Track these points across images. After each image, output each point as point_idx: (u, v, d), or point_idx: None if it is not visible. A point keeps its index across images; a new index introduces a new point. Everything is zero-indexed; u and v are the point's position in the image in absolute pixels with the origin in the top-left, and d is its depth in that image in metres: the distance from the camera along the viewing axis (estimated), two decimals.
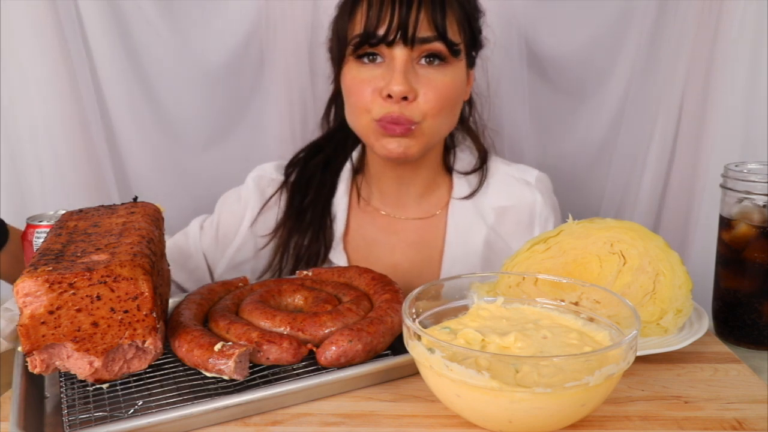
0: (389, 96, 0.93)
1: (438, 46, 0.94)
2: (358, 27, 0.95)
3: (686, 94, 1.31)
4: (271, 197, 1.11)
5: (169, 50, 1.32)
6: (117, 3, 1.26)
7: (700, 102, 1.29)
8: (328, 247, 1.08)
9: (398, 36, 0.93)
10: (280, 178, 1.12)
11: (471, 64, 1.05)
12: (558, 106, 1.41)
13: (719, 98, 1.25)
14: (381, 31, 0.93)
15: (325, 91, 1.16)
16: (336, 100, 1.12)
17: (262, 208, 1.10)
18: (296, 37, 1.33)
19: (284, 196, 1.11)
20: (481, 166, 1.11)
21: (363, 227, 1.11)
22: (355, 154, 1.13)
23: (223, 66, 1.35)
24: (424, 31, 0.93)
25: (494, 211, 1.09)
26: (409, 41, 0.93)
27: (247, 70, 1.36)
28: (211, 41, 1.33)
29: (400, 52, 0.93)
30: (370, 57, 0.96)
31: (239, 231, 1.10)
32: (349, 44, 0.96)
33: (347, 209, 1.10)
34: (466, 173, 1.11)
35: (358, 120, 0.99)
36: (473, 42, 1.03)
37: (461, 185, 1.10)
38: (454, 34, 0.96)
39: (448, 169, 1.13)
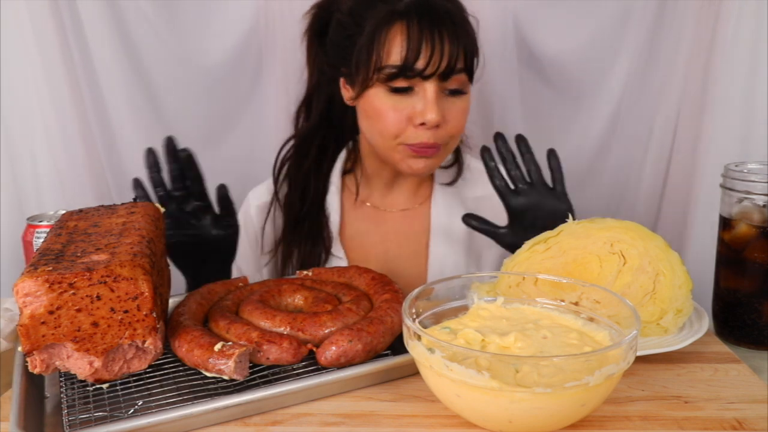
0: (422, 124, 0.98)
1: (463, 78, 1.00)
2: (393, 57, 0.97)
3: (685, 94, 1.31)
4: (267, 217, 1.16)
5: (168, 50, 1.32)
6: (117, 3, 1.26)
7: (698, 102, 1.29)
8: (328, 249, 1.12)
9: (436, 71, 0.96)
10: (269, 197, 1.17)
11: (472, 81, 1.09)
12: (556, 106, 1.41)
13: (718, 98, 1.25)
14: (420, 65, 0.96)
15: None
16: (313, 97, 1.14)
17: (263, 231, 1.16)
18: (295, 37, 1.32)
19: (278, 210, 1.16)
20: (457, 160, 1.18)
21: (355, 221, 1.16)
22: (343, 154, 1.17)
23: (223, 66, 1.35)
24: (455, 63, 0.98)
25: (472, 200, 1.16)
26: (444, 76, 0.97)
27: (246, 69, 1.36)
28: (210, 41, 1.33)
29: (433, 84, 0.98)
30: (403, 90, 0.99)
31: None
32: (380, 72, 0.97)
33: (340, 208, 1.15)
34: (446, 167, 1.18)
35: (383, 141, 1.03)
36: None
37: (442, 177, 1.17)
38: (471, 63, 1.01)
39: None
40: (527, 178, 0.98)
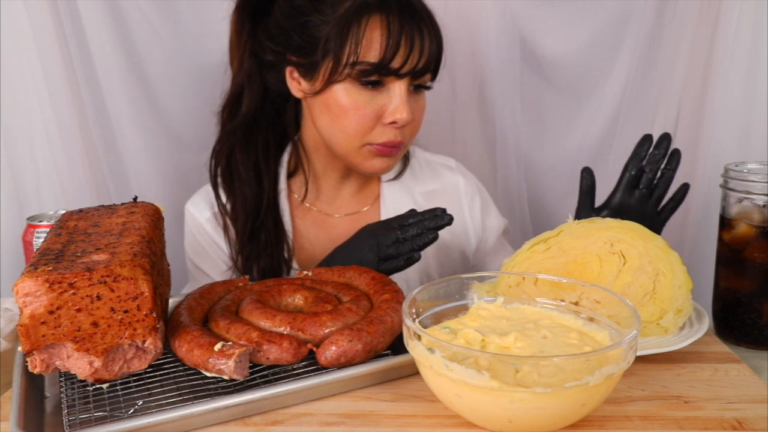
0: (392, 122, 0.96)
1: (428, 77, 0.99)
2: (370, 53, 0.93)
3: (684, 95, 1.31)
4: (224, 232, 1.08)
5: (168, 50, 1.32)
6: (116, 3, 1.26)
7: (698, 102, 1.29)
8: (289, 264, 1.07)
9: (411, 70, 0.94)
10: (212, 210, 1.09)
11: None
12: (557, 106, 1.41)
13: (718, 98, 1.25)
14: (396, 64, 0.93)
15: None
16: (244, 90, 1.06)
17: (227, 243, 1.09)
18: None
19: (227, 222, 1.08)
20: (405, 159, 1.15)
21: (303, 227, 1.11)
22: (286, 155, 1.11)
23: (222, 66, 1.35)
24: (425, 63, 0.96)
25: (422, 195, 1.13)
26: (416, 74, 0.96)
27: None
28: (210, 41, 1.33)
29: (404, 83, 0.96)
30: (374, 85, 0.95)
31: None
32: (354, 67, 0.93)
33: (290, 215, 1.10)
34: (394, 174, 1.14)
35: (346, 140, 0.99)
36: None
37: (388, 174, 1.13)
38: (440, 61, 1.00)
39: None
40: (650, 187, 0.97)
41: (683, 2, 1.27)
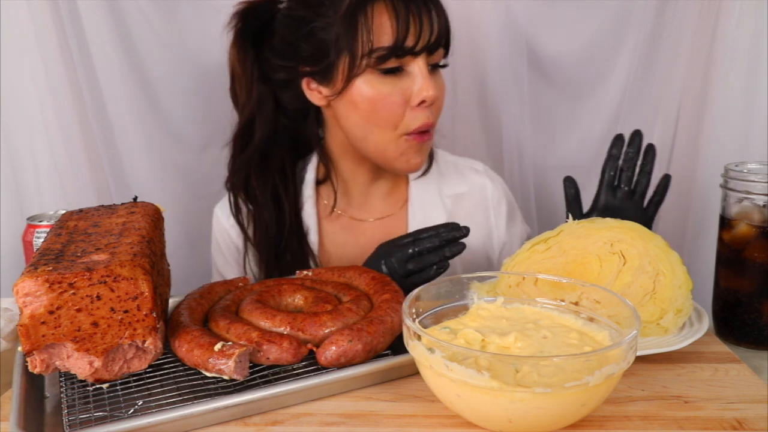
0: (421, 103, 0.96)
1: (442, 51, 0.99)
2: (383, 38, 0.93)
3: (685, 95, 1.31)
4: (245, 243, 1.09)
5: (168, 50, 1.32)
6: (116, 3, 1.26)
7: (698, 102, 1.29)
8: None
9: (426, 46, 0.94)
10: (233, 222, 1.10)
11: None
12: (557, 106, 1.41)
13: (718, 98, 1.25)
14: (410, 42, 0.93)
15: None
16: (256, 118, 1.05)
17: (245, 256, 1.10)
18: None
19: (249, 241, 1.08)
20: (430, 157, 1.13)
21: (332, 233, 1.12)
22: (313, 163, 1.12)
23: (223, 66, 1.35)
24: (438, 36, 0.96)
25: (451, 198, 1.13)
26: (431, 49, 0.95)
27: None
28: (210, 41, 1.33)
29: (422, 60, 0.95)
30: (395, 71, 0.95)
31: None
32: (370, 56, 0.93)
33: (317, 223, 1.10)
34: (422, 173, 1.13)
35: (381, 137, 0.98)
36: None
37: (417, 179, 1.13)
38: (450, 35, 1.00)
39: None
40: (631, 185, 0.98)
41: (683, 2, 1.27)
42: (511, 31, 1.33)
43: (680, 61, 1.30)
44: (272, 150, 1.07)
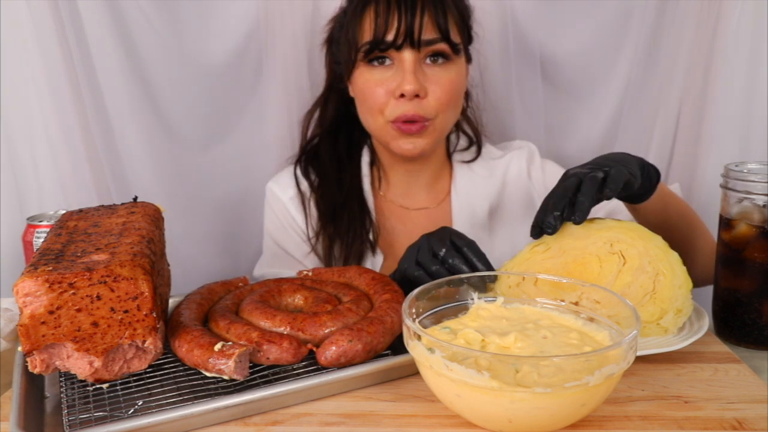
0: (402, 96, 1.02)
1: (442, 46, 1.03)
2: (367, 34, 1.03)
3: (685, 94, 1.31)
4: (305, 210, 1.15)
5: (168, 50, 1.32)
6: (117, 3, 1.26)
7: (699, 102, 1.29)
8: (374, 244, 1.13)
9: (406, 40, 1.00)
10: (295, 189, 1.17)
11: (469, 59, 1.13)
12: (558, 106, 1.41)
13: (718, 98, 1.25)
14: (390, 37, 1.01)
15: None
16: (329, 98, 1.19)
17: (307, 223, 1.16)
18: (295, 38, 1.33)
19: (311, 203, 1.16)
20: (475, 142, 1.22)
21: (384, 218, 1.18)
22: (366, 150, 1.20)
23: (223, 66, 1.35)
24: (429, 33, 1.02)
25: (494, 190, 1.18)
26: (416, 44, 1.01)
27: (246, 70, 1.36)
28: (210, 41, 1.33)
29: (408, 55, 1.02)
30: (380, 60, 1.04)
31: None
32: (359, 50, 1.04)
33: (373, 201, 1.17)
34: (462, 149, 1.22)
35: (373, 121, 1.07)
36: (469, 38, 1.12)
37: (461, 171, 1.18)
38: (455, 34, 1.05)
39: (449, 156, 1.22)
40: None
41: (684, 2, 1.27)
42: (510, 31, 1.34)
43: (680, 61, 1.30)
44: (340, 127, 1.19)
